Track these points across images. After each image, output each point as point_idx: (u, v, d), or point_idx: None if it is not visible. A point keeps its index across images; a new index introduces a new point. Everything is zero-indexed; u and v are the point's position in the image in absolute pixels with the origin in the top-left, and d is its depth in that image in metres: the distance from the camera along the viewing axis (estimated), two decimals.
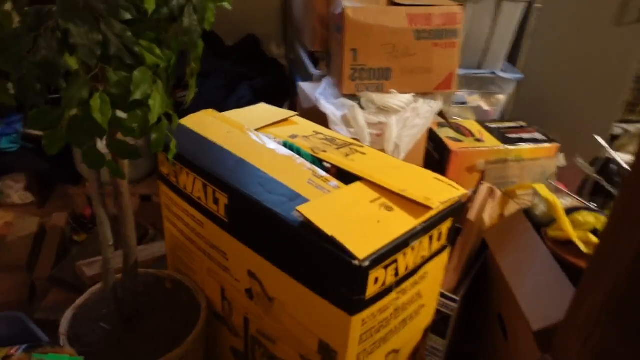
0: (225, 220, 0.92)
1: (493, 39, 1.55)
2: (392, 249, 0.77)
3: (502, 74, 1.58)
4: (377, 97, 1.21)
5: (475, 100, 1.64)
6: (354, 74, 1.20)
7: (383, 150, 1.23)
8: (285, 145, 0.98)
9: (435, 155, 1.49)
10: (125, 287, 0.95)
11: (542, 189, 1.08)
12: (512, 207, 1.22)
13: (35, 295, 1.37)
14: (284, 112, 1.13)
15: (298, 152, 0.96)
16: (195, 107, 1.60)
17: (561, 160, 1.57)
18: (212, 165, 0.92)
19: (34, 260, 1.42)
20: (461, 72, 1.54)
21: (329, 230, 0.75)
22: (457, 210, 0.91)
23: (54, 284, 1.34)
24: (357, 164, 0.95)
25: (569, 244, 1.00)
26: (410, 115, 1.23)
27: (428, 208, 0.83)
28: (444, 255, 0.95)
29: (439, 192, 0.89)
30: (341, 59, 1.19)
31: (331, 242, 0.74)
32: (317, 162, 0.95)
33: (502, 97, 1.65)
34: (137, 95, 0.62)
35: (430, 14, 1.20)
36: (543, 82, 1.73)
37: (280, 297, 0.88)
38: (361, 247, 0.74)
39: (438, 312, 1.08)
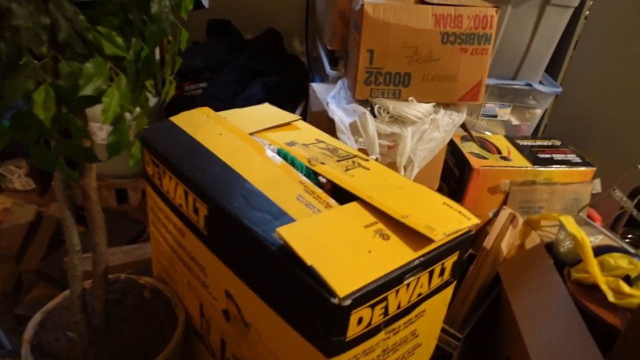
0: (205, 233, 0.83)
1: (532, 47, 1.40)
2: (382, 285, 0.66)
3: (539, 87, 1.44)
4: (393, 105, 1.09)
5: (507, 113, 1.50)
6: (368, 77, 1.09)
7: (394, 164, 1.12)
8: (279, 153, 0.88)
9: (456, 172, 1.37)
10: (94, 296, 0.88)
11: (569, 223, 0.95)
12: (534, 239, 1.09)
13: (22, 288, 1.32)
14: (286, 115, 1.03)
15: (292, 162, 0.86)
16: (203, 103, 1.52)
17: (597, 186, 1.42)
18: (194, 170, 0.83)
19: (25, 250, 1.36)
20: (493, 82, 1.41)
21: (309, 259, 0.65)
22: (466, 243, 0.79)
23: (40, 279, 1.28)
24: (357, 180, 0.84)
25: (594, 289, 0.87)
26: (428, 127, 1.11)
27: (430, 240, 0.72)
28: (448, 291, 0.84)
29: (446, 220, 0.78)
30: (356, 60, 1.08)
31: (310, 273, 0.64)
32: (312, 175, 0.85)
33: (537, 112, 1.50)
34: (87, 91, 0.54)
35: (461, 15, 1.08)
36: (584, 98, 1.58)
37: (257, 324, 0.78)
38: (344, 282, 0.64)
39: (438, 348, 0.97)
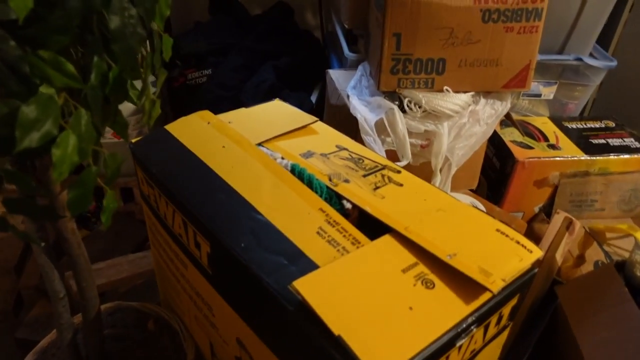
0: (209, 272, 0.70)
1: (583, 15, 1.21)
2: (429, 356, 0.53)
3: (590, 61, 1.25)
4: (425, 98, 0.93)
5: (552, 92, 1.31)
6: (395, 65, 0.92)
7: (428, 164, 0.96)
8: (293, 170, 0.74)
9: (496, 163, 1.21)
10: (87, 344, 0.76)
11: None
12: (597, 251, 0.93)
13: (22, 305, 1.22)
14: (301, 117, 0.87)
15: (310, 181, 0.72)
16: (208, 92, 1.37)
17: None
18: (194, 197, 0.69)
19: (25, 263, 1.26)
20: (537, 57, 1.22)
21: (335, 325, 0.51)
22: (528, 284, 0.65)
23: (41, 295, 1.18)
24: (389, 203, 0.69)
25: None
26: (467, 120, 0.94)
27: (485, 289, 0.58)
28: (504, 335, 0.70)
29: (502, 257, 0.63)
30: (380, 45, 0.91)
31: (337, 343, 0.50)
32: (335, 197, 0.70)
33: (587, 89, 1.32)
34: (27, 143, 0.39)
35: None
36: (638, 71, 1.38)
37: None
38: (382, 356, 0.50)
39: None
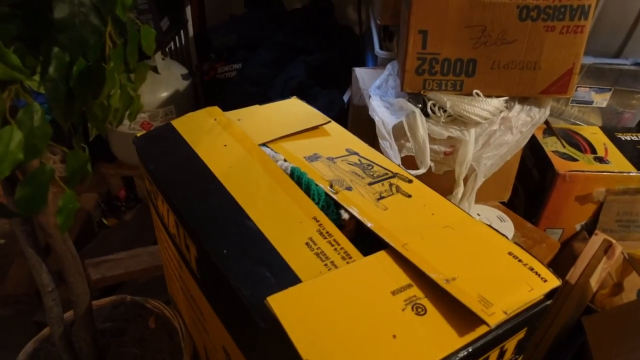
0: (198, 276, 0.67)
1: None
2: None
3: None
4: (452, 101, 0.86)
5: (606, 99, 1.19)
6: (421, 65, 0.86)
7: (452, 173, 0.89)
8: (292, 174, 0.69)
9: (535, 174, 1.11)
10: (79, 338, 0.75)
11: None
12: (638, 280, 0.83)
13: None
14: (314, 117, 0.83)
15: (307, 187, 0.67)
16: (236, 87, 1.35)
17: None
18: (187, 198, 0.66)
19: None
20: (589, 60, 1.12)
21: (305, 350, 0.47)
22: (539, 316, 0.57)
23: (63, 281, 1.20)
24: (390, 215, 0.64)
25: None
26: (497, 128, 0.86)
27: (482, 322, 0.51)
28: None
29: (510, 285, 0.56)
30: (405, 43, 0.85)
31: None
32: (333, 206, 0.66)
33: None
34: None
35: None
36: None
37: None
38: None
39: None
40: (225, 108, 0.84)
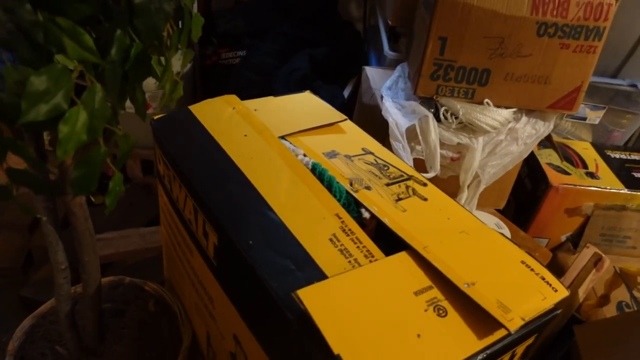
0: (214, 264, 0.67)
1: None
2: None
3: None
4: (463, 109, 0.88)
5: (599, 117, 1.24)
6: (437, 71, 0.87)
7: (456, 178, 0.92)
8: (314, 169, 0.70)
9: (528, 185, 1.15)
10: (84, 317, 0.75)
11: None
12: (623, 293, 0.88)
13: (32, 264, 1.22)
14: (330, 113, 0.84)
15: (329, 184, 0.68)
16: (239, 75, 1.34)
17: None
18: (208, 185, 0.66)
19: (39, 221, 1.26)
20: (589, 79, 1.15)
21: (335, 343, 0.48)
22: (548, 324, 0.60)
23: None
24: (410, 218, 0.65)
25: None
26: (504, 138, 0.89)
27: (501, 326, 0.53)
28: None
29: (524, 293, 0.58)
30: (424, 48, 0.87)
31: None
32: (353, 204, 0.67)
33: (636, 118, 1.24)
34: (33, 116, 0.37)
35: (569, 1, 0.83)
36: None
37: None
38: None
39: None
40: (229, 94, 0.83)
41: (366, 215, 0.65)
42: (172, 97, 0.53)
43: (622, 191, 1.09)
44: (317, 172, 0.70)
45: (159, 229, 1.28)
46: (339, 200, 0.66)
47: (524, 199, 1.16)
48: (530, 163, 1.14)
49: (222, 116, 0.79)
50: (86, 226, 0.63)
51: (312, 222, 0.62)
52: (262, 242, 0.59)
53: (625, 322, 0.77)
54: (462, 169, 0.89)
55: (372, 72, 1.03)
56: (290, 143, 0.75)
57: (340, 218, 0.63)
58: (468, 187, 0.92)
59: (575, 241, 1.16)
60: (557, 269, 1.06)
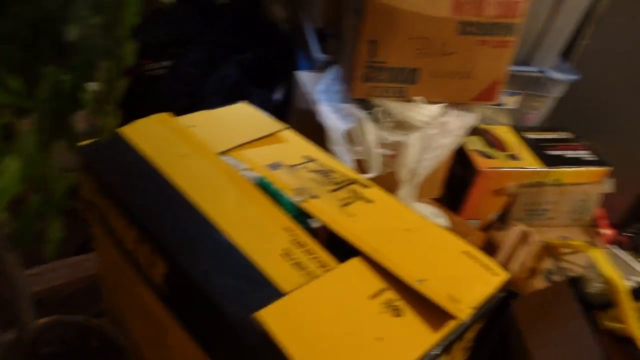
0: (165, 293, 0.65)
1: (551, 28, 1.22)
2: None
3: (554, 74, 1.26)
4: (397, 108, 0.91)
5: (516, 102, 1.33)
6: (369, 73, 0.90)
7: (393, 174, 0.95)
8: (260, 183, 0.70)
9: (457, 171, 1.21)
10: None
11: (602, 261, 0.81)
12: (550, 264, 0.95)
13: None
14: (269, 123, 0.84)
15: (275, 196, 0.68)
16: (166, 86, 1.30)
17: (609, 186, 1.29)
18: (151, 213, 0.64)
19: None
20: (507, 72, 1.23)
21: None
22: (494, 307, 0.65)
23: None
24: (358, 222, 0.67)
25: (631, 343, 0.74)
26: (436, 131, 0.93)
27: (454, 317, 0.57)
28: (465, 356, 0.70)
29: (470, 282, 0.62)
30: (354, 51, 0.89)
31: None
32: (301, 215, 0.68)
33: (547, 100, 1.34)
34: None
35: (484, 0, 0.88)
36: (601, 85, 1.41)
37: None
38: None
39: None
40: (156, 107, 0.81)
41: (316, 224, 0.66)
42: (105, 128, 0.51)
43: (539, 169, 1.18)
44: (263, 186, 0.70)
45: (90, 256, 1.22)
46: (287, 213, 0.67)
47: (455, 184, 1.22)
48: (459, 151, 1.20)
49: (156, 136, 0.76)
50: (19, 279, 0.60)
51: (263, 239, 0.63)
52: (214, 266, 0.59)
53: (554, 292, 0.84)
54: (399, 165, 0.92)
55: (304, 77, 1.03)
56: (233, 158, 0.75)
57: (291, 231, 0.64)
58: (406, 181, 0.95)
59: (503, 218, 1.24)
60: (489, 246, 1.13)
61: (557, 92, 1.32)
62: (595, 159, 1.27)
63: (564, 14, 1.19)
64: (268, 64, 1.31)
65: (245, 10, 1.42)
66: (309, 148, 0.81)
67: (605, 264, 0.80)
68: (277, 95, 1.27)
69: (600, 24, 1.39)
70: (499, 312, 0.98)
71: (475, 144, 1.22)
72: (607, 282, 0.79)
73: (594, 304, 0.82)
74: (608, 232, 1.39)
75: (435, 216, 1.07)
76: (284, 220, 0.65)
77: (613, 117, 1.44)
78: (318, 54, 1.09)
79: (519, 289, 1.01)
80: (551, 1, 1.18)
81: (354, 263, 0.62)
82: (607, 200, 1.34)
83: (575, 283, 0.86)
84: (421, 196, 1.06)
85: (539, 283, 1.03)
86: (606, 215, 1.41)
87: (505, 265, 1.00)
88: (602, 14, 1.36)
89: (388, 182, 0.97)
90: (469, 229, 1.14)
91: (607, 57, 1.40)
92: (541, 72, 1.27)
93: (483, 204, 1.22)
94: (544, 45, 1.25)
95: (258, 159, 0.76)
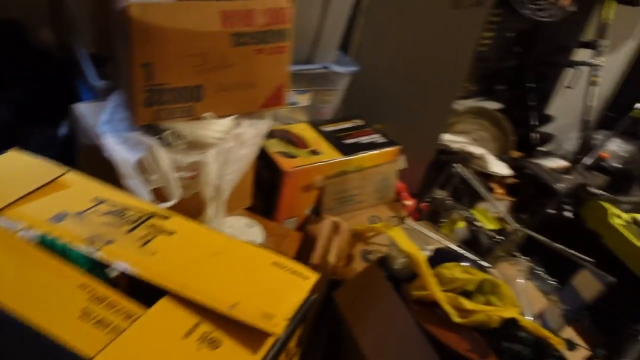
0: None
1: (325, 26, 1.31)
2: None
3: (335, 68, 1.37)
4: (187, 128, 0.89)
5: (307, 99, 1.41)
6: (150, 97, 0.86)
7: (198, 195, 0.94)
8: (43, 242, 0.63)
9: (265, 175, 1.24)
10: None
11: (400, 238, 0.90)
12: (362, 247, 1.04)
13: None
14: (46, 170, 0.75)
15: (64, 253, 0.62)
16: None
17: (402, 162, 1.45)
18: None
19: None
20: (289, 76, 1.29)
21: None
22: (311, 310, 0.68)
23: None
24: (161, 260, 0.65)
25: (437, 307, 0.84)
26: (233, 144, 0.94)
27: (270, 334, 0.59)
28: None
29: (282, 293, 0.65)
30: (129, 77, 0.84)
31: None
32: (98, 266, 0.63)
33: (336, 93, 1.45)
34: None
35: (252, 10, 0.90)
36: (379, 71, 1.57)
37: None
38: None
39: None
40: None
41: (115, 273, 0.62)
42: None
43: (340, 159, 1.27)
44: (47, 244, 0.63)
45: None
46: (81, 268, 0.61)
47: (266, 189, 1.25)
48: (263, 155, 1.23)
49: None
50: None
51: (55, 305, 0.57)
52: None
53: (367, 275, 0.93)
54: (202, 184, 0.91)
55: (83, 109, 0.95)
56: (6, 219, 0.66)
57: (87, 287, 0.59)
58: (213, 198, 0.95)
59: (317, 211, 1.32)
60: (309, 240, 1.18)
61: (342, 84, 1.44)
62: (387, 140, 1.41)
63: (334, 11, 1.29)
64: (47, 96, 1.18)
65: (5, 36, 1.24)
66: (97, 188, 0.75)
67: (403, 240, 0.90)
68: (64, 129, 1.15)
69: (368, 15, 1.54)
70: (324, 308, 1.04)
71: (277, 146, 1.26)
72: (407, 256, 0.88)
73: (401, 278, 0.92)
74: (410, 202, 1.56)
75: (249, 226, 1.08)
76: (78, 277, 0.60)
77: (394, 99, 1.62)
78: (96, 81, 1.01)
79: (341, 276, 1.09)
80: (319, 1, 1.27)
81: (163, 304, 0.60)
82: (404, 175, 1.51)
83: (383, 262, 0.95)
84: (232, 209, 1.07)
85: (359, 265, 1.11)
86: (406, 188, 1.59)
87: (324, 256, 1.06)
88: (368, 6, 1.51)
89: (194, 204, 0.95)
90: (286, 230, 1.18)
91: (378, 46, 1.56)
92: (325, 67, 1.36)
93: (296, 201, 1.28)
94: (322, 43, 1.34)
95: (37, 213, 0.68)
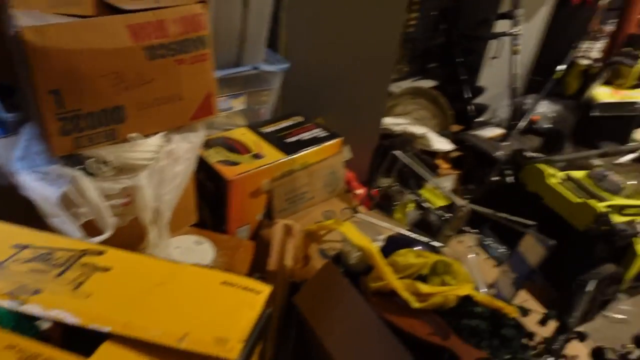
0: None
1: (248, 26, 1.26)
2: None
3: (266, 67, 1.32)
4: (111, 153, 0.83)
5: (242, 102, 1.36)
6: (64, 125, 0.79)
7: (137, 221, 0.88)
8: None
9: (210, 187, 1.19)
10: None
11: (351, 232, 0.88)
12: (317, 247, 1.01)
13: None
14: None
15: None
16: None
17: (347, 153, 1.43)
18: None
19: None
20: (218, 73, 1.23)
21: None
22: (267, 325, 0.64)
23: None
24: (98, 300, 0.60)
25: (396, 295, 0.83)
26: (166, 162, 0.89)
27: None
28: None
29: (234, 313, 0.61)
30: (37, 106, 0.77)
31: None
32: (25, 321, 0.57)
33: (271, 93, 1.40)
34: None
35: (163, 20, 0.84)
36: (311, 66, 1.53)
37: None
38: None
39: None
40: None
41: (46, 325, 0.56)
42: None
43: (284, 159, 1.24)
44: None
45: None
46: (6, 327, 0.55)
47: (213, 200, 1.20)
48: (204, 167, 1.18)
49: None
50: None
51: None
52: None
53: (324, 274, 0.90)
54: (139, 209, 0.85)
55: None
56: None
57: (15, 347, 0.53)
58: (153, 221, 0.89)
59: (269, 215, 1.27)
60: (264, 245, 1.14)
61: (276, 82, 1.39)
62: (329, 133, 1.39)
63: (254, 10, 1.25)
64: None
65: None
66: (18, 233, 0.69)
67: (354, 234, 0.88)
68: None
69: (290, 10, 1.50)
70: (288, 313, 1.00)
71: (217, 156, 1.21)
72: (360, 249, 0.86)
73: (358, 271, 0.90)
74: (361, 191, 1.55)
75: (198, 244, 1.03)
76: (2, 337, 0.54)
77: (330, 91, 1.59)
78: (3, 114, 0.93)
79: (301, 277, 1.05)
80: (238, 1, 1.22)
81: (105, 350, 0.54)
82: (352, 165, 1.49)
83: (339, 259, 0.93)
84: (177, 229, 1.01)
85: (318, 263, 1.08)
86: (355, 177, 1.57)
87: (280, 261, 1.02)
88: (289, 2, 1.47)
89: (134, 231, 0.90)
90: (238, 241, 1.14)
91: (306, 40, 1.53)
92: (255, 68, 1.32)
93: (246, 209, 1.23)
94: (249, 44, 1.29)
95: None
